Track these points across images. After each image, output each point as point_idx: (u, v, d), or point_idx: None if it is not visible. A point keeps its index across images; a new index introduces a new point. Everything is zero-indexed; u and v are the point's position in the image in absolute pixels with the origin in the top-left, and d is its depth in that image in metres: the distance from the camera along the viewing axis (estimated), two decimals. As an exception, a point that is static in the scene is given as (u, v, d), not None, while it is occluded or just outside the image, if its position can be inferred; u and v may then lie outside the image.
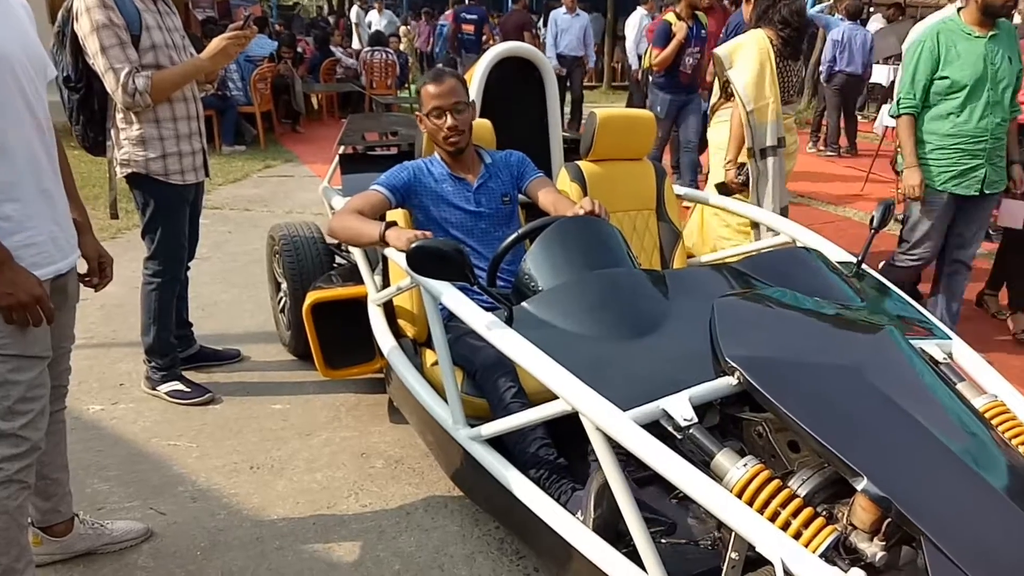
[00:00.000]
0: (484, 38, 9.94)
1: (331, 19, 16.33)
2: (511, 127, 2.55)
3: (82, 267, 1.86)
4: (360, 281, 2.71)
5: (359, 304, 2.68)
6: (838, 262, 2.16)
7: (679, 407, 1.45)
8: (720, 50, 3.35)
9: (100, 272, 1.90)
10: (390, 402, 2.78)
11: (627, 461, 1.61)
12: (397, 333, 2.50)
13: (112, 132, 2.65)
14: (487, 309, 1.80)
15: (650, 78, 5.80)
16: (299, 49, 10.44)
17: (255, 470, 2.45)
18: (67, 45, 2.52)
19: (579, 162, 2.80)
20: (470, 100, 2.39)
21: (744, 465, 1.36)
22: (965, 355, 1.85)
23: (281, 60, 9.42)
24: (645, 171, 2.86)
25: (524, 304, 1.76)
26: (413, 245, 1.63)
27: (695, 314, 1.73)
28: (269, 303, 3.61)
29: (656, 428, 1.45)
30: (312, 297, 2.64)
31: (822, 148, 8.44)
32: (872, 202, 6.36)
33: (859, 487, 1.29)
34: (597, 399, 1.46)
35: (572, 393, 1.50)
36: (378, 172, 3.09)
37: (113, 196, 2.86)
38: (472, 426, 1.97)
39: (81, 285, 1.86)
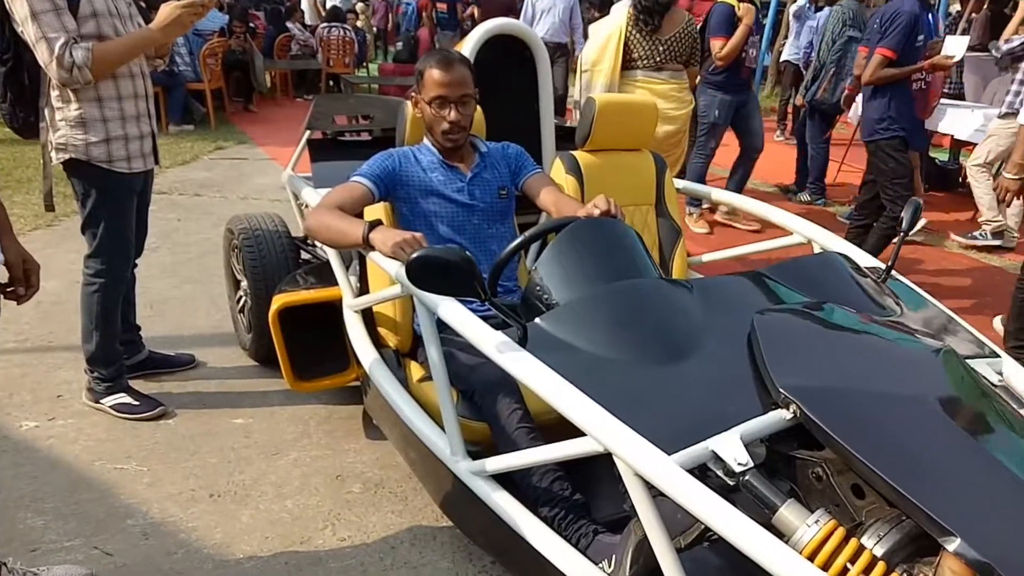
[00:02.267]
0: (461, 15, 9.51)
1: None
2: (499, 112, 2.30)
3: (1, 275, 1.55)
4: (331, 280, 2.43)
5: (331, 308, 2.41)
6: (867, 267, 1.98)
7: (731, 448, 1.23)
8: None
9: (25, 281, 1.59)
10: (365, 414, 2.52)
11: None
12: (377, 342, 2.24)
13: (46, 112, 2.31)
14: (491, 323, 1.56)
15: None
16: (251, 24, 9.90)
17: (216, 498, 2.17)
18: None
19: (575, 152, 2.56)
20: (476, 94, 2.13)
21: (816, 522, 1.16)
22: (1017, 375, 1.68)
23: (232, 35, 8.92)
24: (645, 162, 2.64)
25: (539, 321, 1.52)
26: (414, 256, 1.37)
27: (731, 332, 1.53)
28: (225, 300, 3.30)
29: (700, 472, 1.24)
30: (279, 301, 2.35)
31: (789, 136, 8.37)
32: (845, 190, 6.28)
33: (951, 548, 1.10)
34: (636, 440, 1.24)
35: (606, 431, 1.27)
36: (351, 160, 2.84)
37: (48, 185, 2.51)
38: (470, 453, 1.74)
39: (1, 298, 1.56)
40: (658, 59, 3.90)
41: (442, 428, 1.79)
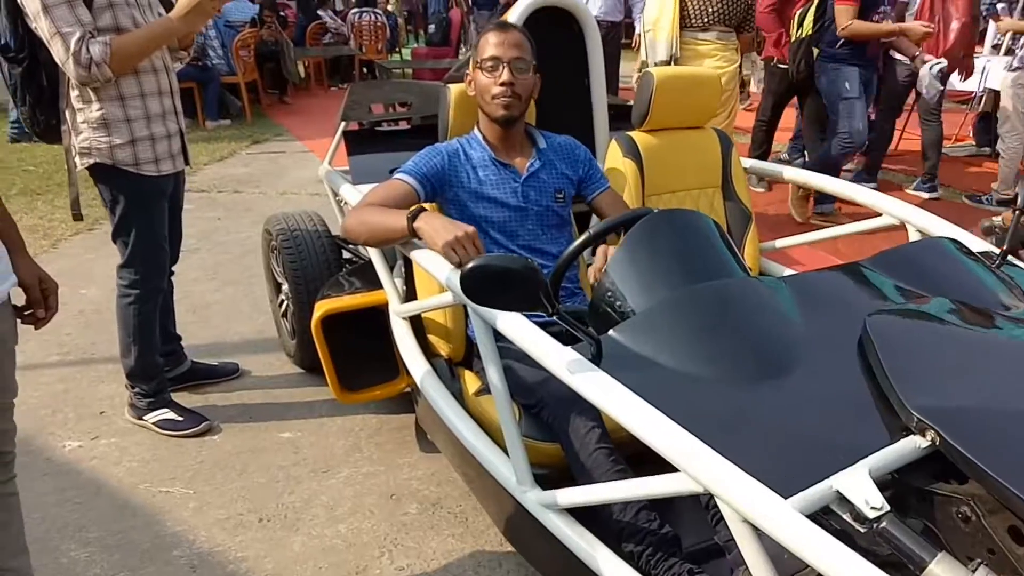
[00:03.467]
0: None
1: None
2: (547, 92, 2.09)
3: (18, 298, 1.42)
4: (376, 282, 2.27)
5: (378, 313, 2.25)
6: (978, 252, 1.73)
7: (861, 488, 1.02)
8: None
9: (43, 302, 1.46)
10: (418, 425, 2.36)
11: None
12: (427, 350, 2.08)
13: (67, 114, 2.18)
14: (552, 331, 1.37)
15: (814, 50, 4.40)
16: (282, 14, 9.80)
17: (265, 522, 2.04)
18: (1, 4, 2.03)
19: (631, 133, 2.34)
20: (535, 64, 1.92)
21: (978, 582, 0.95)
22: None
23: (264, 25, 8.81)
24: (709, 141, 2.40)
25: (613, 334, 1.32)
26: (469, 267, 1.19)
27: (838, 338, 1.31)
28: (268, 302, 3.17)
29: (820, 515, 1.04)
30: (322, 308, 2.20)
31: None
32: (909, 161, 5.90)
33: None
34: (743, 479, 1.04)
35: (705, 468, 1.08)
36: (390, 151, 2.67)
37: (74, 192, 2.39)
38: (538, 478, 1.56)
39: (19, 322, 1.42)
40: (706, 20, 3.92)
41: (504, 449, 1.61)
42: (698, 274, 1.43)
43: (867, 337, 1.27)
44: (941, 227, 1.97)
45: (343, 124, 2.73)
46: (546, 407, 1.61)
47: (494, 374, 1.53)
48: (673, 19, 3.91)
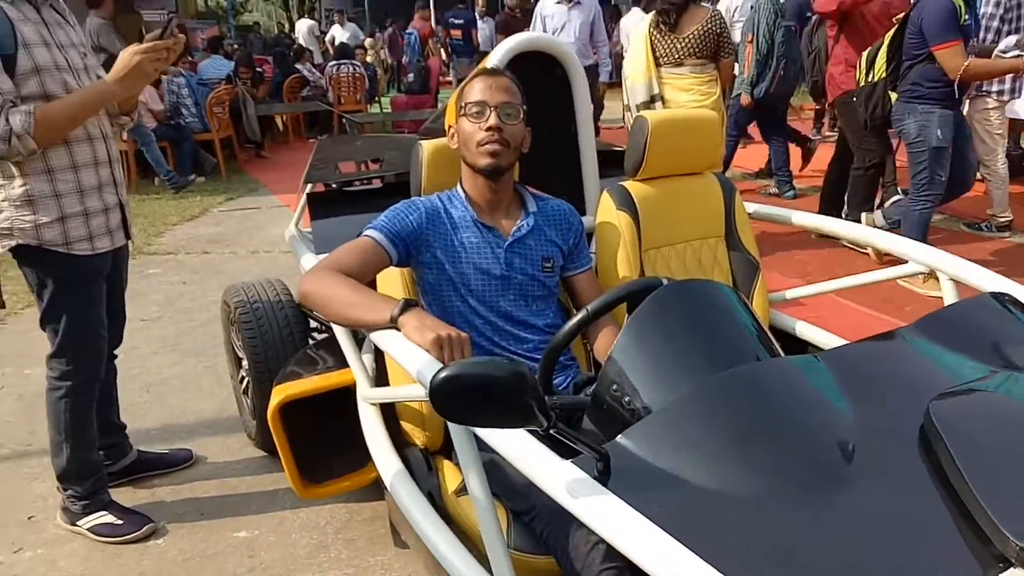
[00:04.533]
0: (476, 41, 9.15)
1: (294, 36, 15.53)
2: (532, 142, 1.86)
3: None
4: (345, 358, 2.00)
5: (345, 394, 1.97)
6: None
7: None
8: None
9: None
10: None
11: None
12: (400, 439, 1.79)
13: (-14, 190, 1.91)
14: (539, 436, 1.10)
15: (891, 94, 3.88)
16: (259, 69, 9.68)
17: (211, 653, 1.72)
18: None
19: (625, 183, 2.10)
20: (525, 112, 1.70)
21: None
22: None
23: (240, 81, 8.66)
24: (709, 188, 2.17)
25: (622, 441, 1.05)
26: (440, 375, 0.92)
27: (896, 430, 1.05)
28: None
29: None
30: (280, 395, 1.91)
31: (828, 133, 7.83)
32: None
33: None
34: None
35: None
36: (360, 213, 2.41)
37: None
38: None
39: None
40: (677, 55, 3.98)
41: (488, 569, 1.32)
42: (721, 357, 1.17)
43: (934, 432, 1.01)
44: (977, 274, 1.73)
45: (307, 187, 2.48)
46: (539, 516, 1.33)
47: (474, 481, 1.25)
48: (647, 61, 4.01)
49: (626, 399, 1.13)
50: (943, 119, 3.63)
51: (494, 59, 2.14)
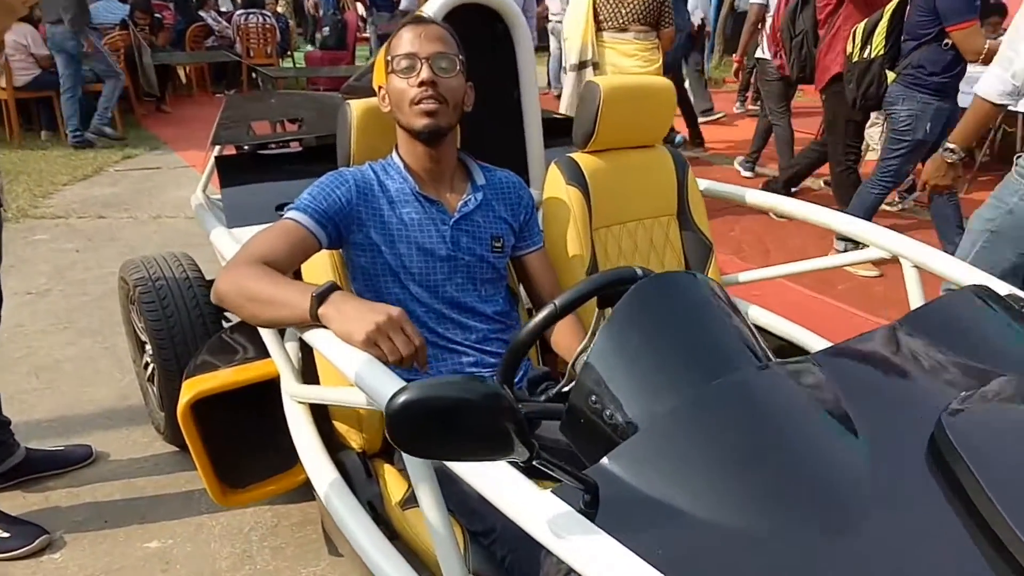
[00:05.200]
0: None
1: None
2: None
3: None
4: (265, 347, 1.79)
5: (267, 386, 1.76)
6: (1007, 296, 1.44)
7: None
8: None
9: None
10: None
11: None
12: (333, 440, 1.61)
13: None
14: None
15: (887, 73, 3.60)
16: (158, 15, 8.92)
17: None
18: None
19: (574, 155, 1.95)
20: (463, 63, 1.50)
21: None
22: None
23: (136, 27, 7.94)
24: (661, 161, 2.05)
25: (608, 464, 0.91)
26: (400, 400, 0.75)
27: (906, 448, 0.96)
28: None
29: None
30: (192, 390, 1.69)
31: (752, 107, 7.91)
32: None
33: None
34: None
35: None
36: (277, 181, 2.17)
37: None
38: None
39: None
40: (621, 20, 3.94)
41: None
42: (711, 362, 1.04)
43: (950, 450, 0.92)
44: (941, 261, 1.68)
45: (215, 149, 2.21)
46: (501, 540, 1.20)
47: (428, 497, 1.10)
48: (587, 23, 3.91)
49: (607, 412, 0.99)
50: (938, 113, 3.41)
51: (429, 11, 1.92)
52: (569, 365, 1.23)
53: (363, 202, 1.47)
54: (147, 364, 2.36)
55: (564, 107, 4.06)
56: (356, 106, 1.65)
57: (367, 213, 1.47)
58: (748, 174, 5.57)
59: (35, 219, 4.56)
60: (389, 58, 1.48)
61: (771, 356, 1.10)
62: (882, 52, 3.55)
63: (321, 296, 1.18)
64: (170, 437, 2.29)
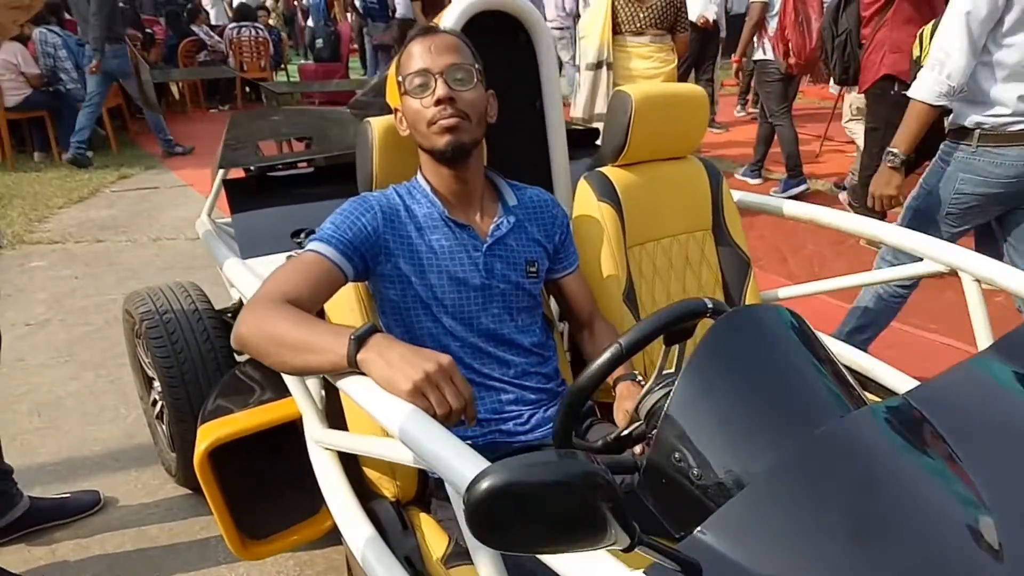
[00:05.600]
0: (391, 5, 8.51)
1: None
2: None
3: None
4: (284, 384, 1.67)
5: (290, 429, 1.65)
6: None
7: None
8: None
9: None
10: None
11: None
12: (364, 488, 1.49)
13: None
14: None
15: None
16: (149, 30, 8.81)
17: None
18: None
19: (604, 169, 1.84)
20: (481, 72, 1.38)
21: None
22: None
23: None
24: (695, 173, 1.94)
25: (704, 536, 0.79)
26: (482, 488, 0.64)
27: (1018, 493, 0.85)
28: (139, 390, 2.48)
29: None
30: (209, 437, 1.57)
31: (752, 110, 7.81)
32: (834, 168, 5.74)
33: None
34: None
35: None
36: (289, 204, 2.06)
37: None
38: None
39: None
40: (639, 24, 3.98)
41: None
42: (805, 407, 0.93)
43: None
44: (1006, 274, 1.57)
45: (220, 173, 2.09)
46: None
47: (487, 563, 0.98)
48: (604, 24, 3.94)
49: (695, 472, 0.88)
50: None
51: (448, 22, 1.81)
52: (633, 407, 1.11)
53: (390, 230, 1.36)
54: (155, 401, 2.24)
55: (579, 108, 4.04)
56: (377, 124, 1.53)
57: (395, 242, 1.36)
58: (757, 181, 5.46)
59: (31, 245, 4.44)
60: (400, 78, 1.36)
61: (865, 397, 0.99)
62: None
63: (360, 339, 1.05)
64: (182, 479, 2.17)
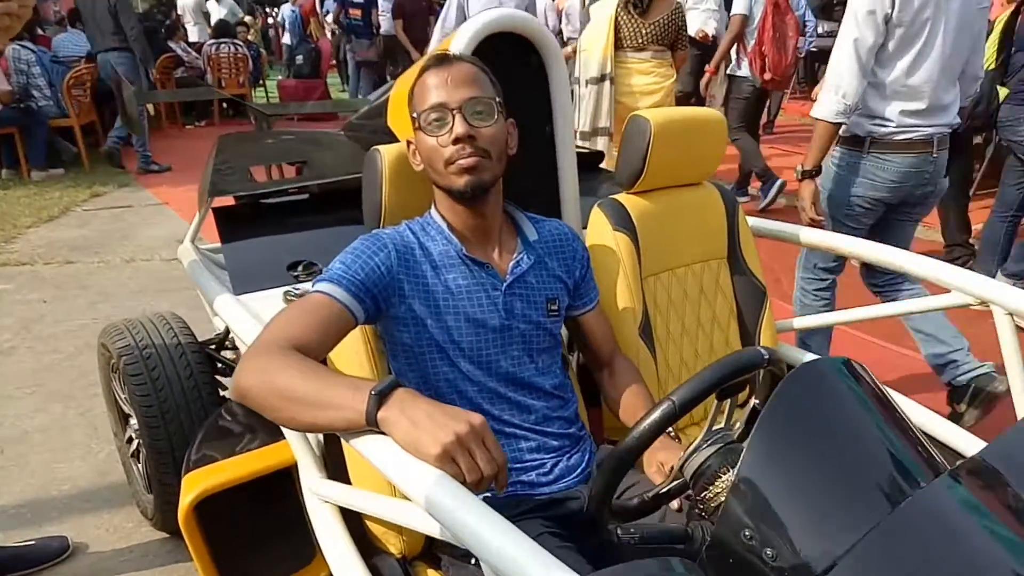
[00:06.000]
0: (375, 22, 8.44)
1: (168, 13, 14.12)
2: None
3: None
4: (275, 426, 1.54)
5: (281, 477, 1.52)
6: None
7: None
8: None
9: None
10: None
11: None
12: (364, 542, 1.36)
13: None
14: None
15: (999, 89, 3.42)
16: (124, 46, 8.60)
17: None
18: None
19: (618, 196, 1.75)
20: (501, 104, 1.28)
21: None
22: None
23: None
24: (710, 199, 1.85)
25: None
26: None
27: None
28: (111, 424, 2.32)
29: None
30: (194, 488, 1.43)
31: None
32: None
33: None
34: None
35: None
36: (284, 233, 1.94)
37: None
38: None
39: None
40: (641, 40, 3.97)
41: None
42: (886, 475, 0.83)
43: None
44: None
45: (209, 201, 1.95)
46: None
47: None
48: (607, 40, 3.94)
49: (768, 552, 0.77)
50: None
51: (458, 46, 1.71)
52: (676, 465, 1.00)
53: (405, 269, 1.24)
54: (131, 439, 2.09)
55: (582, 122, 4.01)
56: (388, 154, 1.41)
57: (410, 282, 1.24)
58: (744, 199, 5.44)
59: (-3, 266, 4.24)
60: (415, 114, 1.26)
61: (941, 460, 0.89)
62: (993, 66, 3.39)
63: (382, 395, 0.93)
64: (159, 523, 2.01)
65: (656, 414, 0.93)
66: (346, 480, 1.35)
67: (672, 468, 1.03)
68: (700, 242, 1.84)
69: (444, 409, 0.91)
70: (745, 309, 1.89)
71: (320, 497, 1.36)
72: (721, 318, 1.88)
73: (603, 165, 2.76)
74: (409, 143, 1.32)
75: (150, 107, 9.18)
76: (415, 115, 1.25)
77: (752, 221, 1.98)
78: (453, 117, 1.21)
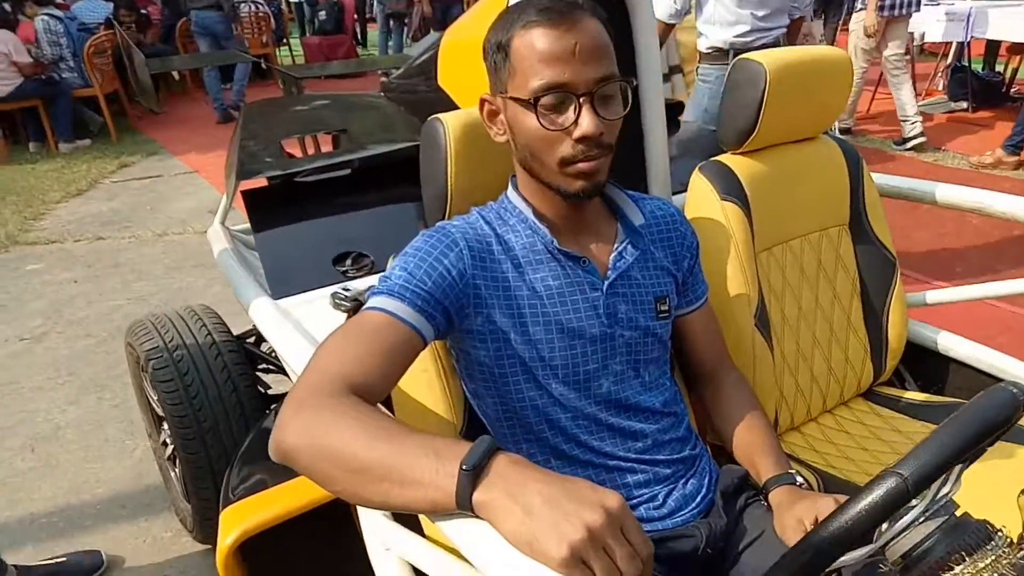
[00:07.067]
0: None
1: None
2: None
3: None
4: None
5: (342, 507, 1.28)
6: None
7: None
8: None
9: None
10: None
11: None
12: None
13: None
14: None
15: None
16: (143, 11, 8.35)
17: None
18: None
19: (723, 157, 1.45)
20: (623, 82, 0.95)
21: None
22: None
23: (122, 26, 7.39)
24: (829, 156, 1.54)
25: None
26: None
27: None
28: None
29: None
30: (235, 527, 1.20)
31: None
32: (884, 122, 5.28)
33: None
34: None
35: None
36: (326, 216, 1.67)
37: None
38: None
39: None
40: None
41: None
42: None
43: None
44: None
45: (239, 181, 1.67)
46: None
47: None
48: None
49: None
50: None
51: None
52: (880, 541, 0.73)
53: (481, 272, 0.96)
54: (164, 442, 1.88)
55: None
56: (452, 123, 1.10)
57: (488, 288, 0.97)
58: None
59: (26, 245, 4.08)
60: (516, 83, 0.93)
61: None
62: None
63: (476, 470, 0.67)
64: (199, 534, 1.82)
65: (878, 492, 0.64)
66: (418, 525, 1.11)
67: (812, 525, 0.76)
68: (819, 208, 1.54)
69: (567, 489, 0.64)
70: (871, 284, 1.59)
71: (384, 545, 1.12)
72: (843, 296, 1.58)
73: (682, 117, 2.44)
74: (485, 102, 1.03)
75: (173, 72, 8.97)
76: (518, 91, 0.93)
77: (879, 179, 1.66)
78: (580, 105, 0.91)
